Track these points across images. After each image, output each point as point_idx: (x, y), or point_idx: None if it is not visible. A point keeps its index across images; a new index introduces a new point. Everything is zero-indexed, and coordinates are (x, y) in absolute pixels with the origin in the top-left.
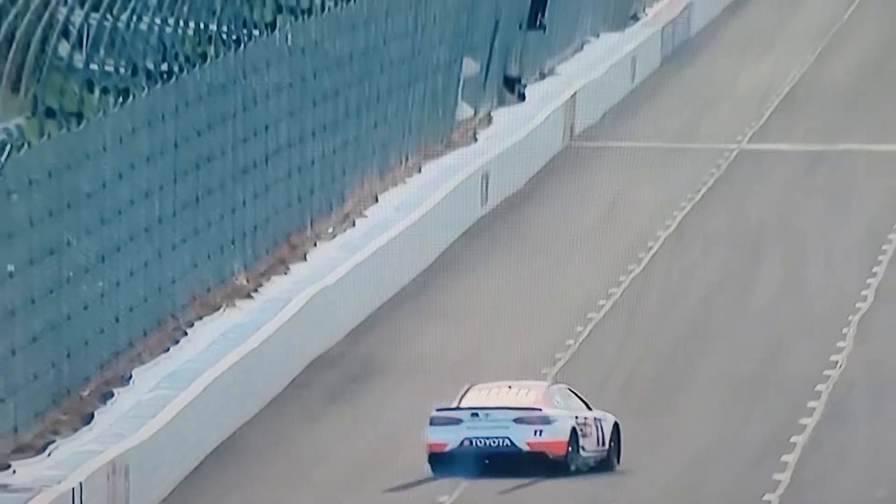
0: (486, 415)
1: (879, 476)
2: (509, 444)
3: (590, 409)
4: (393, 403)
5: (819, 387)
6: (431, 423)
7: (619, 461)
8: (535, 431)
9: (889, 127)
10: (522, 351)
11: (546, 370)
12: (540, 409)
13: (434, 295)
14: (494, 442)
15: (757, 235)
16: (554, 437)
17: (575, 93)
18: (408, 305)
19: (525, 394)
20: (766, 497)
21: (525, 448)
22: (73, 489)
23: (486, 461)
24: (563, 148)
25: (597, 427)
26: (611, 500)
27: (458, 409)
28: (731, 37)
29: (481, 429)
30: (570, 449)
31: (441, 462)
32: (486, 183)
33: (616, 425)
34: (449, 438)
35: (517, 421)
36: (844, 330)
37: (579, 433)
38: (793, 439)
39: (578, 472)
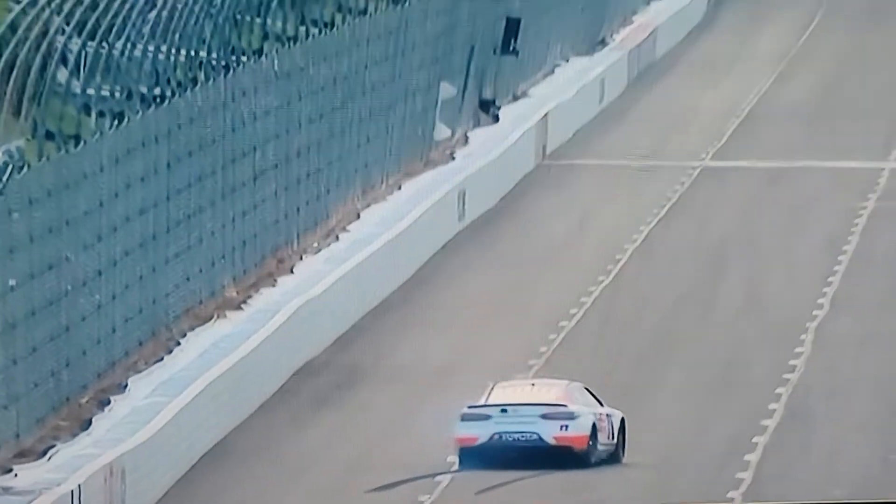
0: (515, 411)
1: (837, 474)
2: (537, 438)
3: (601, 405)
4: (376, 409)
5: (779, 390)
6: (462, 419)
7: (623, 455)
8: (562, 426)
9: (842, 145)
10: (498, 358)
11: (521, 376)
12: (565, 406)
13: (414, 305)
14: (523, 437)
15: (720, 248)
16: (578, 432)
17: (546, 114)
18: (390, 316)
19: (548, 391)
20: (730, 494)
21: (552, 442)
22: (73, 491)
23: (515, 455)
24: (536, 166)
25: (608, 422)
26: (584, 498)
27: (487, 405)
28: (693, 61)
29: (510, 424)
30: (590, 443)
31: (471, 455)
32: (463, 199)
33: (623, 421)
34: (479, 433)
35: (544, 417)
36: (802, 336)
37: (596, 428)
38: (755, 440)
39: (595, 464)
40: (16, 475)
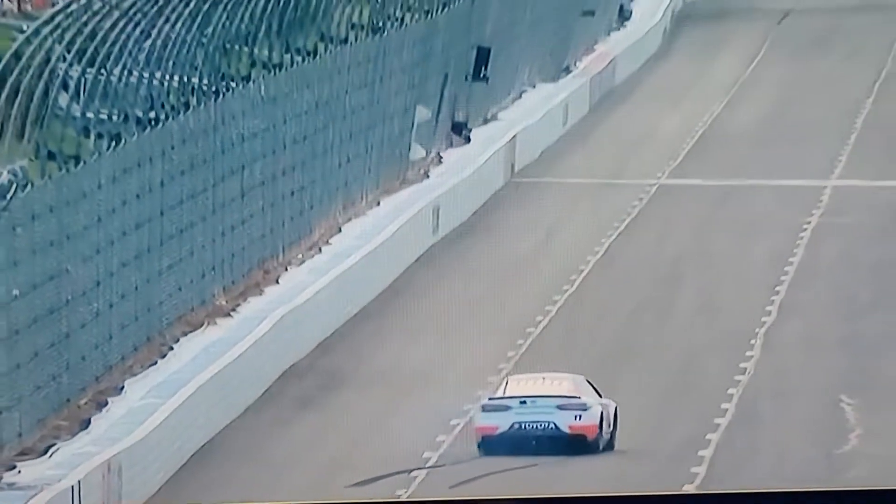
0: (533, 402)
1: (784, 467)
2: (554, 427)
3: (600, 396)
4: (356, 409)
5: (731, 390)
6: (483, 410)
7: (614, 445)
8: (576, 416)
9: (788, 165)
10: (470, 362)
11: (492, 378)
12: (578, 398)
13: (392, 313)
14: (541, 426)
15: (675, 260)
16: (590, 421)
17: (515, 135)
18: (369, 323)
19: (560, 384)
20: (685, 488)
21: (567, 431)
22: (73, 487)
23: (533, 442)
24: (505, 183)
25: (607, 412)
26: (549, 490)
27: (507, 397)
28: (650, 87)
29: (528, 414)
30: (600, 431)
31: (491, 444)
32: (437, 215)
33: (616, 410)
34: (500, 423)
35: (559, 407)
36: (752, 341)
37: (603, 418)
38: (708, 437)
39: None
40: (19, 472)
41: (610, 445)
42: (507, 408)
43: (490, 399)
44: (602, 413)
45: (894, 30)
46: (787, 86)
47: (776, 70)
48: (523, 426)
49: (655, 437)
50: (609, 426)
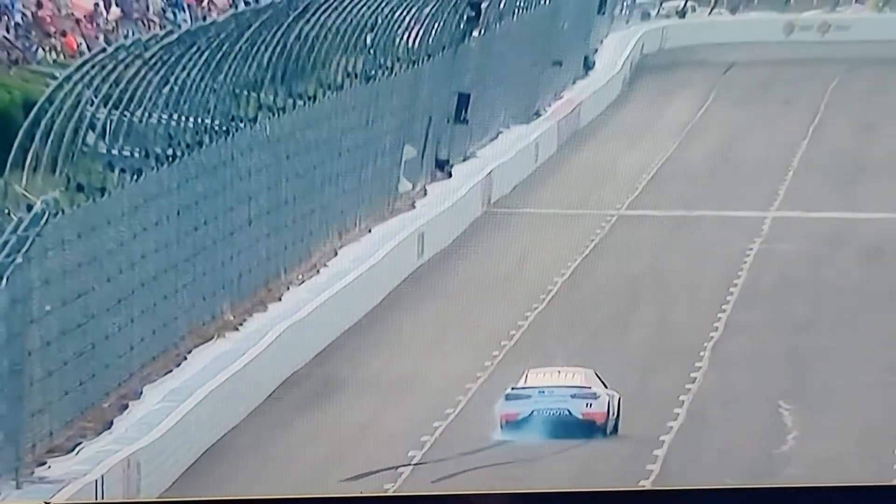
0: (551, 392)
1: (729, 468)
2: (568, 413)
3: (606, 387)
4: (349, 413)
5: (682, 398)
6: (506, 398)
7: (618, 430)
8: (587, 404)
9: (733, 197)
10: (451, 370)
11: (469, 385)
12: (590, 388)
13: (382, 328)
14: (556, 412)
15: (633, 281)
16: (599, 409)
17: (491, 171)
18: (361, 336)
19: (573, 376)
20: (641, 483)
21: (580, 417)
22: (96, 480)
23: (550, 427)
24: (483, 213)
25: (613, 401)
26: (524, 484)
27: (527, 387)
28: (611, 129)
29: (546, 402)
30: (607, 417)
31: (513, 428)
32: (422, 240)
33: (619, 400)
34: (521, 410)
35: (573, 396)
36: (701, 354)
37: (609, 405)
38: (662, 438)
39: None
40: (49, 467)
41: (615, 430)
42: (527, 396)
43: (513, 388)
44: (609, 402)
45: (826, 80)
46: (732, 128)
47: (722, 114)
48: (541, 412)
49: (615, 438)
50: (614, 414)
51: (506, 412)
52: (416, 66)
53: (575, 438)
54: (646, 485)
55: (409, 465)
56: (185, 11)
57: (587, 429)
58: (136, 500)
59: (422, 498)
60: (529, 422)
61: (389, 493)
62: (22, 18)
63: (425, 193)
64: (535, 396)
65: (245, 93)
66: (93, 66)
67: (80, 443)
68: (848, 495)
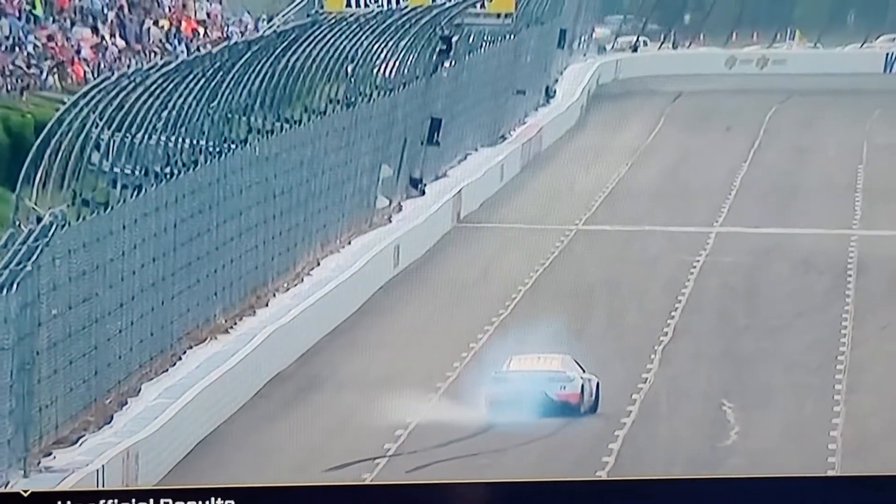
0: (530, 375)
1: (677, 457)
2: (545, 395)
3: (584, 372)
4: (330, 408)
5: (635, 396)
6: (492, 381)
7: (597, 409)
8: (562, 386)
9: (679, 214)
10: (423, 370)
11: (440, 384)
12: (564, 372)
13: (360, 331)
14: (535, 394)
15: (590, 289)
16: (573, 390)
17: (461, 189)
18: (342, 338)
19: (551, 361)
20: (598, 473)
21: (555, 398)
22: (98, 470)
23: (529, 405)
24: (452, 227)
25: (590, 385)
26: (494, 472)
27: (510, 371)
28: (570, 152)
29: (526, 384)
30: (581, 398)
31: (497, 407)
32: (398, 252)
33: (598, 384)
34: (503, 391)
35: (550, 379)
36: (652, 356)
37: (584, 388)
38: (616, 433)
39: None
40: (54, 457)
41: (593, 410)
42: (509, 379)
43: (497, 372)
44: (583, 385)
45: (764, 109)
46: (680, 151)
47: (671, 139)
48: (521, 394)
49: (572, 433)
50: (591, 395)
51: (490, 393)
52: (392, 93)
53: (552, 417)
54: (602, 475)
55: (386, 456)
56: (182, 43)
57: (562, 409)
58: (134, 488)
59: (397, 486)
60: (511, 402)
61: (367, 482)
62: (34, 49)
63: (400, 209)
64: (516, 379)
65: (237, 117)
66: (98, 92)
67: (83, 435)
68: (783, 485)
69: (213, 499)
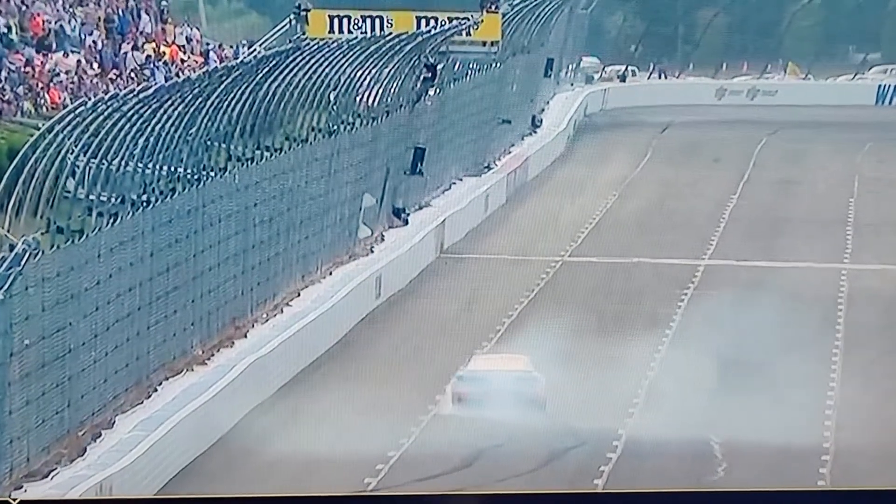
0: (498, 374)
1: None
2: (514, 393)
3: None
4: (310, 441)
5: (620, 431)
6: (459, 379)
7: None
8: (529, 385)
9: (665, 246)
10: (405, 404)
11: (422, 417)
12: (531, 371)
13: (341, 363)
14: (504, 392)
15: (575, 320)
16: (536, 388)
17: (444, 219)
18: (322, 369)
19: (515, 362)
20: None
21: (523, 397)
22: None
23: (495, 403)
24: (436, 258)
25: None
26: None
27: (476, 370)
28: (556, 183)
29: (494, 383)
30: (543, 396)
31: (465, 404)
32: (380, 283)
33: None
34: (471, 389)
35: (517, 379)
36: (639, 390)
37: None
38: (601, 469)
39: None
40: (25, 491)
41: (543, 407)
42: (478, 378)
43: (463, 371)
44: (543, 383)
45: (754, 141)
46: (668, 183)
47: (659, 170)
48: (488, 391)
49: (559, 467)
50: (545, 394)
51: (459, 391)
52: (375, 121)
53: (518, 414)
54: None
55: (366, 491)
56: (160, 69)
57: (528, 407)
58: (128, 497)
59: (389, 497)
60: (478, 399)
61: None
62: (9, 73)
63: (383, 239)
64: (484, 378)
65: (216, 144)
66: (74, 118)
67: (55, 468)
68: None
69: None
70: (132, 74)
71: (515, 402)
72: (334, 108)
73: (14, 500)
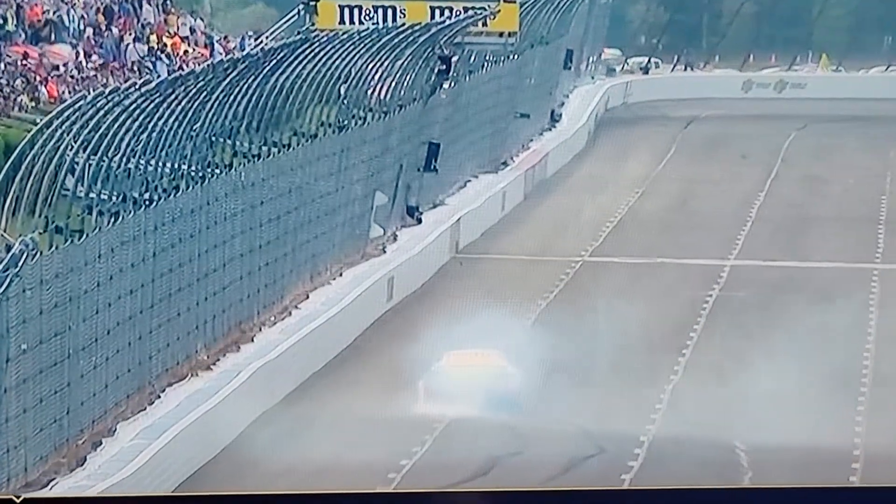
0: (470, 368)
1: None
2: (489, 387)
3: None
4: (318, 449)
5: (642, 438)
6: (434, 375)
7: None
8: (504, 380)
9: (689, 246)
10: (417, 412)
11: (436, 424)
12: (506, 367)
13: (350, 368)
14: (480, 387)
15: (595, 325)
16: (514, 384)
17: (459, 218)
18: (331, 376)
19: (488, 357)
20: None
21: (499, 392)
22: None
23: (476, 400)
24: (450, 259)
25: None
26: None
27: (452, 366)
28: (576, 179)
29: (466, 378)
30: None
31: (435, 399)
32: (392, 285)
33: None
34: (443, 385)
35: (494, 375)
36: (661, 396)
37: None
38: (622, 476)
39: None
40: (23, 502)
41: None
42: (454, 374)
43: (438, 366)
44: (518, 378)
45: (782, 136)
46: (693, 180)
47: (683, 167)
48: (467, 387)
49: (578, 473)
50: (518, 388)
51: (430, 386)
52: (387, 116)
53: (494, 411)
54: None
55: (370, 491)
56: (163, 61)
57: (504, 402)
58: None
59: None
60: (458, 396)
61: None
62: (5, 67)
63: (395, 239)
64: (461, 374)
65: (221, 140)
66: (73, 113)
67: (53, 478)
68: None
69: None
70: (133, 67)
71: (487, 398)
72: (344, 102)
73: (18, 497)
